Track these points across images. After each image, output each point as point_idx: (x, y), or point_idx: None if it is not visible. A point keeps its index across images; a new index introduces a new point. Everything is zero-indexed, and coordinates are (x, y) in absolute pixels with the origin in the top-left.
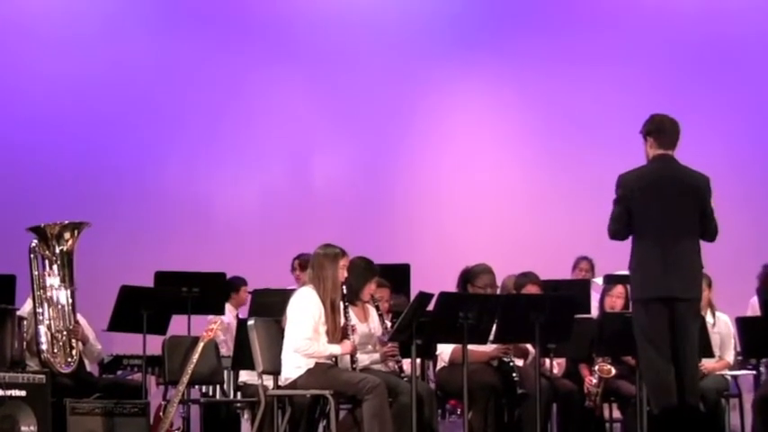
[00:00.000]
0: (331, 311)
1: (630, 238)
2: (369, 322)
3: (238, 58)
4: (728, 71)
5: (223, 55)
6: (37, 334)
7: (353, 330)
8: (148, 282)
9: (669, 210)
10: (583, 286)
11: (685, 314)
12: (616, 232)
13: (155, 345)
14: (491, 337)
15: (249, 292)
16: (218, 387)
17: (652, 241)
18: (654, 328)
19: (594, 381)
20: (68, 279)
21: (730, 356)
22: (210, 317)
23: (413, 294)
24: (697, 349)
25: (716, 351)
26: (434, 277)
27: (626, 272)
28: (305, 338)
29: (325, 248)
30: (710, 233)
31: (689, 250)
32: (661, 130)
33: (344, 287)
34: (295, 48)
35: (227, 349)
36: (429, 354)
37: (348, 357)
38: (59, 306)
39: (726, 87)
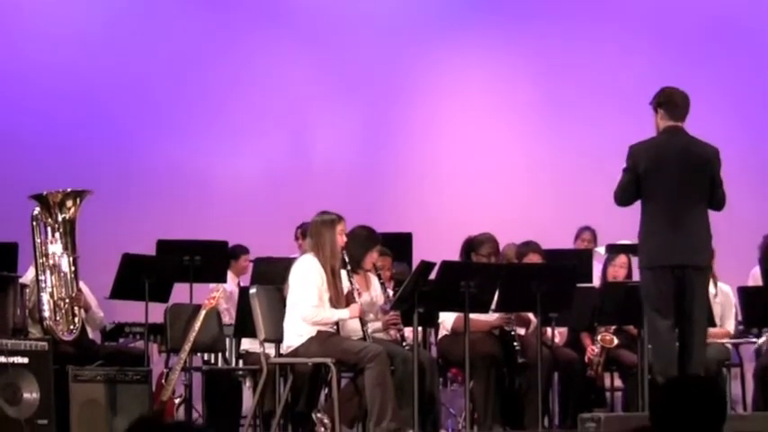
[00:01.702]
0: (332, 277)
1: (639, 206)
2: (371, 291)
3: (239, 31)
4: (730, 42)
5: (224, 28)
6: (39, 301)
7: (359, 294)
8: (150, 250)
9: (679, 180)
10: (585, 256)
11: (695, 282)
12: (621, 199)
13: (157, 313)
14: (493, 307)
15: (251, 261)
16: (219, 355)
17: (662, 211)
18: (661, 296)
19: (596, 350)
20: (71, 247)
21: (731, 326)
22: (212, 285)
23: (415, 263)
24: (706, 318)
25: (717, 321)
26: (436, 246)
27: (628, 241)
28: (312, 306)
29: (321, 215)
30: (717, 202)
31: (698, 220)
32: (671, 102)
33: (344, 253)
34: (296, 20)
35: (228, 317)
36: (431, 322)
37: (356, 323)
38: (62, 274)
39: (721, 60)
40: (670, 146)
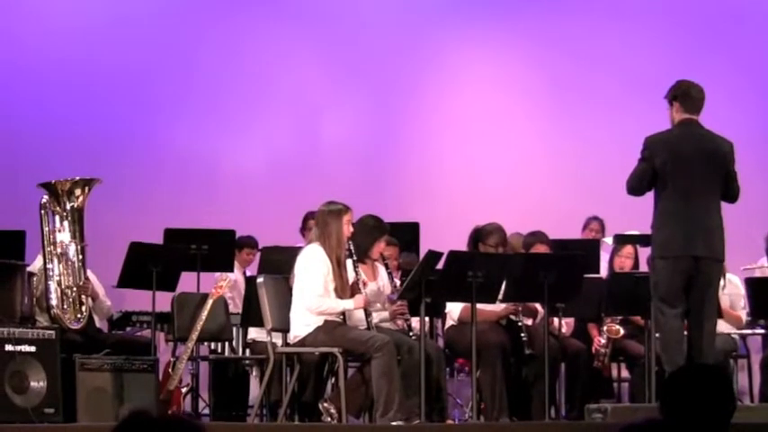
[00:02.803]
0: (337, 267)
1: (647, 196)
2: (378, 280)
3: (244, 16)
4: (747, 28)
5: (228, 12)
6: (47, 290)
7: (365, 284)
8: (158, 239)
9: (695, 173)
10: (592, 246)
11: (712, 273)
12: (634, 189)
13: (164, 301)
14: (500, 297)
15: (259, 250)
16: (227, 344)
17: (676, 202)
18: (671, 287)
19: (603, 341)
20: (79, 235)
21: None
22: (218, 274)
23: (422, 253)
24: (716, 311)
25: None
26: (444, 236)
27: (636, 232)
28: (316, 295)
29: (328, 205)
30: (732, 194)
31: (712, 213)
32: (687, 95)
33: (350, 243)
34: (303, 5)
35: (233, 306)
36: (438, 312)
37: (362, 313)
38: (69, 262)
39: (734, 50)
40: (686, 139)
